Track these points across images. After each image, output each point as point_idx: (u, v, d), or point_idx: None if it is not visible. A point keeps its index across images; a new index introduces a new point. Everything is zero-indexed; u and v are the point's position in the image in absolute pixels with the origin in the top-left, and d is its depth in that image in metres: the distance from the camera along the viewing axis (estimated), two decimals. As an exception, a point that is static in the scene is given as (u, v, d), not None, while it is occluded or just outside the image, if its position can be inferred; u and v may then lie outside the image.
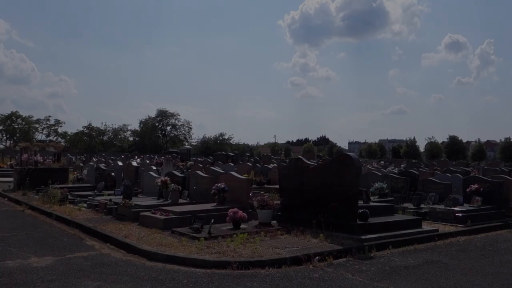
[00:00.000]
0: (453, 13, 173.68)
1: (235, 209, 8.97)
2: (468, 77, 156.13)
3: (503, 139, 70.79)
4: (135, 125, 75.84)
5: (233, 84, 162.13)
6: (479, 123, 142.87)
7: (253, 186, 16.62)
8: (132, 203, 10.78)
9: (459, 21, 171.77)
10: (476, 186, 11.89)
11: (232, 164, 25.38)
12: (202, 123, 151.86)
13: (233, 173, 12.50)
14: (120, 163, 22.31)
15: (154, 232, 8.68)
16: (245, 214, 9.05)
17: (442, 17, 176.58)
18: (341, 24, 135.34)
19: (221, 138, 72.58)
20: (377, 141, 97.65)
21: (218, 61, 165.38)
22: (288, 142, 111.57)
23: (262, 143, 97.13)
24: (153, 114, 74.86)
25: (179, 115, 75.00)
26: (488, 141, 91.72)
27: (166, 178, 12.34)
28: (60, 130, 73.36)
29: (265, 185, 17.31)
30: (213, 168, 17.02)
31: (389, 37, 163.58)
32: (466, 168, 24.82)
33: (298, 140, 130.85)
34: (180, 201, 11.72)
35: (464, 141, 74.62)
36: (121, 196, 11.77)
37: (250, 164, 24.71)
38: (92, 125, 69.28)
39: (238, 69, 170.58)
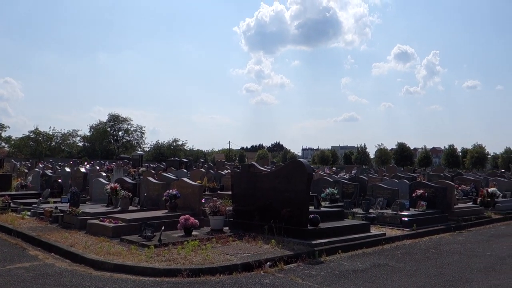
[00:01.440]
0: (401, 25, 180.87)
1: (187, 216, 8.87)
2: (415, 86, 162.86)
3: (447, 146, 74.21)
4: (85, 130, 73.59)
5: (188, 90, 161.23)
6: (426, 131, 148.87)
7: (206, 192, 16.52)
8: (79, 211, 10.42)
9: (407, 32, 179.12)
10: (421, 191, 12.36)
11: (185, 170, 25.11)
12: (155, 128, 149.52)
13: (185, 179, 12.36)
14: (68, 169, 21.54)
15: (102, 241, 8.43)
16: (197, 220, 8.96)
17: (391, 29, 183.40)
18: (296, 32, 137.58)
19: (175, 144, 71.74)
20: (329, 147, 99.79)
21: (174, 66, 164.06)
22: (242, 148, 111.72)
23: (216, 149, 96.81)
24: (104, 119, 73.08)
25: (131, 120, 73.54)
26: (433, 148, 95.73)
27: (116, 184, 12.02)
28: (4, 134, 69.98)
29: (219, 192, 17.22)
30: (165, 174, 16.78)
31: (342, 46, 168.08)
32: (413, 174, 25.80)
33: (252, 146, 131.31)
34: (131, 208, 11.45)
35: (412, 148, 77.51)
36: (68, 204, 11.35)
37: (204, 170, 24.54)
38: (39, 129, 66.56)
39: (194, 75, 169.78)
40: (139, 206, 11.95)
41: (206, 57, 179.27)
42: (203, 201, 11.08)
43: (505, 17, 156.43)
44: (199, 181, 16.18)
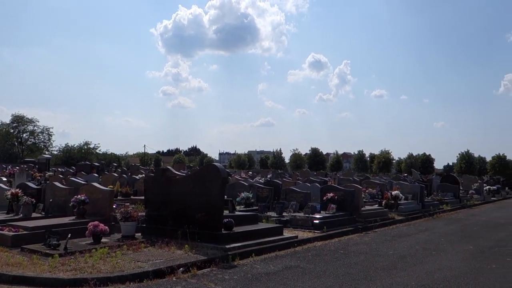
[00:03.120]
0: (316, 34, 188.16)
1: (96, 222, 8.46)
2: (328, 94, 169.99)
3: (357, 152, 78.32)
4: (-15, 132, 67.69)
5: (101, 91, 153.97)
6: (337, 137, 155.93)
7: (118, 197, 15.95)
8: (-26, 219, 9.55)
9: (321, 42, 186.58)
10: (331, 194, 12.89)
11: (96, 175, 24.08)
12: (65, 131, 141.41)
13: (95, 184, 11.81)
14: (-38, 174, 19.69)
15: (1, 251, 7.78)
16: (107, 227, 8.58)
17: (306, 38, 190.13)
18: (214, 36, 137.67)
19: (86, 147, 68.31)
20: (246, 152, 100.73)
21: (86, 66, 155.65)
22: (158, 152, 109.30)
23: (131, 152, 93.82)
24: (7, 120, 67.83)
25: (38, 122, 68.94)
26: (344, 153, 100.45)
27: (17, 190, 11.19)
28: None
29: (132, 197, 16.69)
30: (73, 179, 15.94)
31: (259, 53, 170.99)
32: (324, 178, 26.85)
33: (169, 150, 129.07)
34: (34, 215, 10.72)
35: (324, 153, 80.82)
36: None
37: (117, 175, 23.66)
38: None
39: (108, 76, 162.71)
40: (44, 213, 11.21)
41: (121, 58, 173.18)
42: (114, 206, 10.66)
43: (408, 33, 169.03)
44: (111, 186, 15.62)
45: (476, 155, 72.22)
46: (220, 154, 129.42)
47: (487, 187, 31.78)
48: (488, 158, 71.23)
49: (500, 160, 68.06)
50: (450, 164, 77.62)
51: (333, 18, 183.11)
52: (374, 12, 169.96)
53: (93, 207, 10.09)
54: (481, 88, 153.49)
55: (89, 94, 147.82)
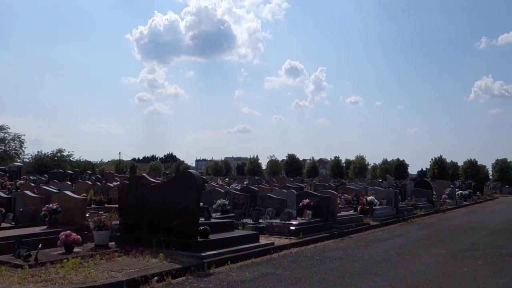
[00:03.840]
0: (292, 41, 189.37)
1: (68, 232, 8.28)
2: (304, 100, 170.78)
3: (333, 158, 79.09)
4: (-49, 140, 65.70)
5: (75, 97, 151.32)
6: (314, 143, 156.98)
7: (92, 206, 15.68)
8: None
9: (297, 49, 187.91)
10: (307, 200, 12.95)
11: (69, 183, 23.63)
12: (38, 138, 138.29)
13: (67, 192, 11.58)
14: None
15: (-33, 263, 7.53)
16: (79, 236, 8.42)
17: (282, 45, 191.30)
18: (190, 43, 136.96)
19: (59, 154, 67.03)
20: (223, 158, 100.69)
21: (60, 72, 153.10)
22: (134, 159, 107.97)
23: (106, 160, 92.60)
24: (-24, 127, 65.92)
25: (9, 128, 67.15)
26: (321, 159, 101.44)
27: (-14, 199, 10.88)
28: None
29: (106, 205, 16.43)
30: (45, 187, 15.58)
31: (236, 59, 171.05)
32: (301, 184, 27.00)
33: (144, 157, 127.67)
34: (4, 225, 10.43)
35: (301, 159, 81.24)
36: None
37: (90, 183, 23.30)
38: None
39: (82, 82, 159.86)
40: (14, 223, 10.93)
41: (96, 63, 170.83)
42: (87, 215, 10.47)
43: (382, 41, 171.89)
44: (84, 194, 15.37)
45: (448, 160, 73.94)
46: (196, 161, 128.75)
47: (459, 191, 32.49)
48: (460, 163, 73.02)
49: (471, 165, 69.76)
50: (424, 169, 79.13)
51: (309, 26, 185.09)
52: (349, 20, 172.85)
53: (65, 216, 9.88)
54: (453, 95, 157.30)
55: (62, 101, 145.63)
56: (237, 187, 23.77)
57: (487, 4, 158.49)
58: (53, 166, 58.33)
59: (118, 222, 10.02)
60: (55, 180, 28.09)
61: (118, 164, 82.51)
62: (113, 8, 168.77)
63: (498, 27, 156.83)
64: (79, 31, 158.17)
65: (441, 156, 73.09)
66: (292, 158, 77.70)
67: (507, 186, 60.17)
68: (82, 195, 13.91)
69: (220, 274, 7.59)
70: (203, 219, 10.16)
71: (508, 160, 70.33)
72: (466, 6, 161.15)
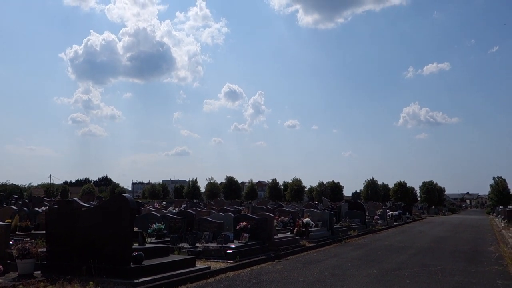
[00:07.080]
0: (231, 65, 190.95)
1: (-12, 261, 7.74)
2: (243, 123, 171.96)
3: (270, 180, 79.99)
4: None
5: (2, 117, 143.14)
6: (252, 166, 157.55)
7: (17, 232, 14.73)
8: None
9: (236, 73, 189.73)
10: (244, 223, 12.97)
11: (-7, 208, 22.04)
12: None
13: (-10, 218, 10.83)
14: None
15: None
16: (1, 266, 7.88)
17: (222, 68, 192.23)
18: (128, 64, 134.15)
19: (-18, 177, 62.88)
20: (160, 181, 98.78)
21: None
22: (66, 182, 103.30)
23: (35, 183, 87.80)
24: None
25: None
26: (259, 181, 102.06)
27: None
28: None
29: (33, 231, 15.49)
30: (-35, 213, 14.48)
31: (175, 82, 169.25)
32: (239, 207, 27.01)
33: (77, 180, 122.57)
34: None
35: (240, 181, 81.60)
36: None
37: (16, 208, 21.92)
38: None
39: (11, 100, 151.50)
40: None
41: (26, 82, 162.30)
42: (11, 242, 9.81)
43: (317, 68, 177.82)
44: (9, 220, 14.46)
45: (380, 182, 77.14)
46: (133, 184, 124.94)
47: (390, 212, 33.89)
48: (391, 185, 76.34)
49: (401, 187, 73.20)
50: (358, 191, 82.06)
51: (248, 51, 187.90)
52: (286, 47, 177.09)
53: (-14, 244, 9.21)
54: (383, 120, 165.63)
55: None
56: (174, 210, 23.36)
57: (413, 37, 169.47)
58: (-25, 190, 54.54)
59: (45, 249, 9.48)
60: (-23, 205, 26.19)
61: (49, 188, 78.56)
62: (46, 25, 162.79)
63: (424, 58, 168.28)
64: (8, 48, 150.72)
65: (373, 178, 76.27)
66: (231, 181, 77.72)
67: (433, 206, 63.66)
68: (6, 221, 13.06)
69: (153, 301, 7.36)
70: (137, 245, 9.86)
71: (434, 182, 74.69)
72: (395, 38, 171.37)
